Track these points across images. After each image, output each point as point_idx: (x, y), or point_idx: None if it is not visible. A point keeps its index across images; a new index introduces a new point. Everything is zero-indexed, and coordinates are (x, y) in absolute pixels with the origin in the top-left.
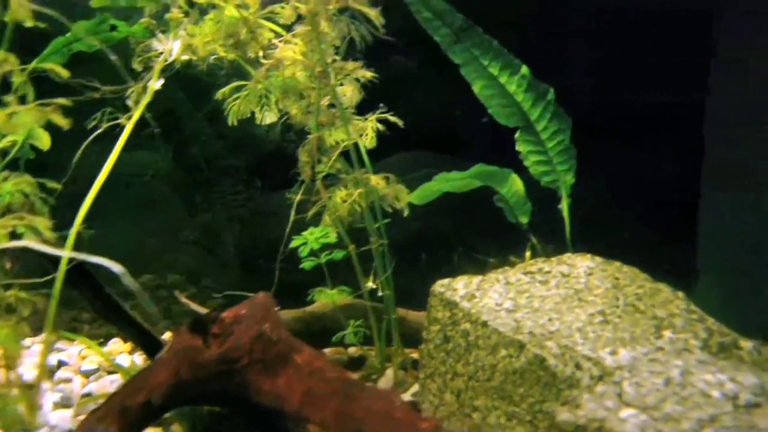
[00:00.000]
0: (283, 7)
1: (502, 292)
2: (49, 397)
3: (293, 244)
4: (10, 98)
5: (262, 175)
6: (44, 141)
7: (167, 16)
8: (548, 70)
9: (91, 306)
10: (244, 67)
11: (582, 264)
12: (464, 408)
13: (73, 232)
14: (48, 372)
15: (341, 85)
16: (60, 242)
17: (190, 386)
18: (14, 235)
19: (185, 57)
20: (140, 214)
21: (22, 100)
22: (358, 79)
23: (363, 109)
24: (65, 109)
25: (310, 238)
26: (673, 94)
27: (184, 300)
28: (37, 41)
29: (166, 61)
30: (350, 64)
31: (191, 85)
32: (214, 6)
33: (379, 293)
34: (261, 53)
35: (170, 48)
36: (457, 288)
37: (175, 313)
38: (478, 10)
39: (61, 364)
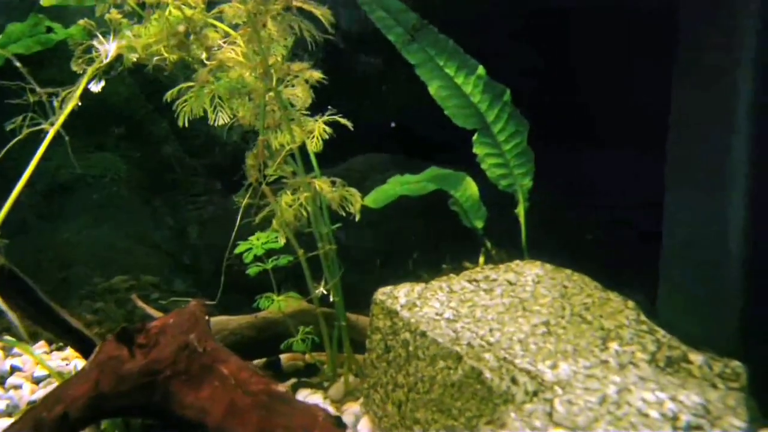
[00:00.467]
0: (230, 7)
1: (444, 300)
2: None
3: (237, 250)
4: None
5: (222, 177)
6: None
7: (106, 17)
8: (505, 70)
9: (23, 312)
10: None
11: (530, 271)
12: (405, 420)
13: None
14: None
15: (292, 86)
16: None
17: (111, 398)
18: None
19: (133, 58)
20: (104, 215)
21: None
22: (308, 81)
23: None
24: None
25: (256, 244)
26: (638, 94)
27: (140, 304)
28: None
29: (101, 63)
30: (296, 65)
31: (151, 86)
32: (158, 5)
33: (332, 299)
34: (205, 54)
35: (106, 50)
36: (398, 296)
37: (140, 316)
38: (430, 8)
39: (14, 369)
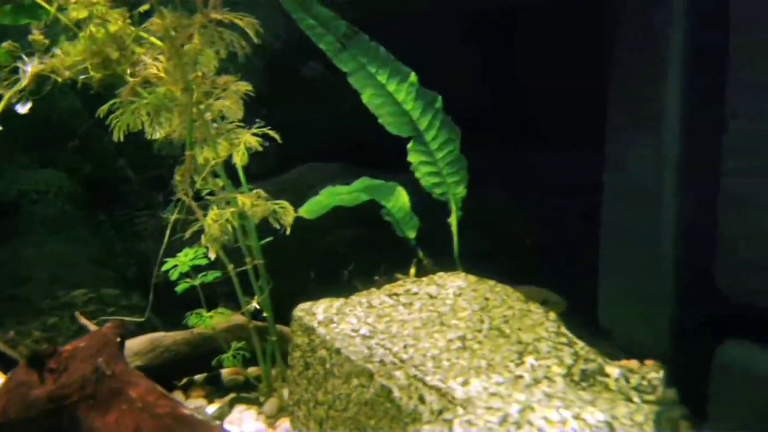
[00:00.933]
0: (151, 23)
1: (362, 316)
2: None
3: (164, 267)
4: None
5: (164, 190)
6: None
7: (30, 38)
8: (438, 75)
9: None
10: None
11: (453, 284)
12: None
13: None
14: None
15: (220, 99)
16: None
17: (18, 425)
18: None
19: (64, 75)
20: (49, 231)
21: None
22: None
23: (281, 117)
24: None
25: (183, 260)
26: (577, 94)
27: (83, 321)
28: None
29: (21, 86)
30: (222, 78)
31: (95, 101)
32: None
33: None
34: (130, 71)
35: (24, 71)
36: (316, 313)
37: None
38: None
39: None
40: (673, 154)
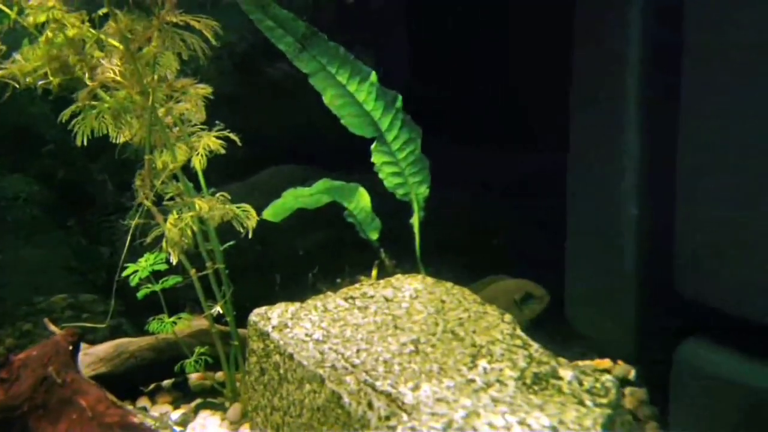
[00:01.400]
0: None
1: (317, 320)
2: None
3: (125, 272)
4: None
5: (132, 194)
6: None
7: None
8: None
9: None
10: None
11: (409, 287)
12: None
13: None
14: None
15: (180, 102)
16: None
17: None
18: None
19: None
20: (22, 237)
21: None
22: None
23: (249, 119)
24: None
25: (143, 265)
26: (545, 95)
27: (51, 327)
28: None
29: None
30: (180, 81)
31: (63, 105)
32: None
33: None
34: (88, 75)
35: None
36: (271, 317)
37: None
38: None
39: None
40: (632, 154)
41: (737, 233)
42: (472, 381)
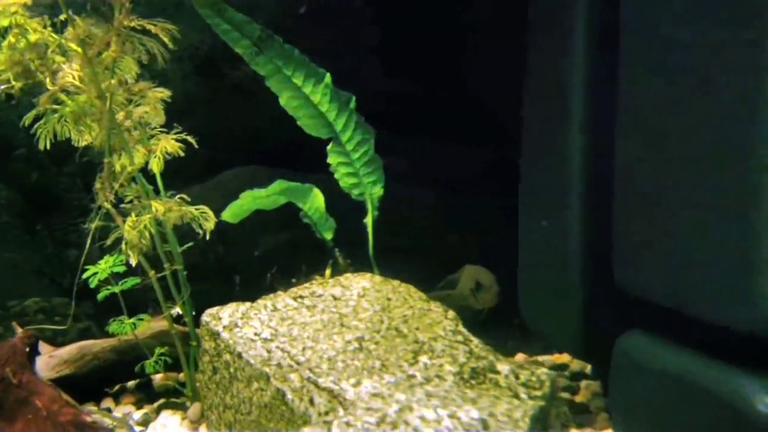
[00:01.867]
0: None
1: (265, 320)
2: None
3: (85, 275)
4: None
5: (91, 197)
6: None
7: None
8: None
9: None
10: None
11: (357, 285)
12: None
13: None
14: None
15: (139, 105)
16: None
17: None
18: None
19: None
20: None
21: None
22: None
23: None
24: None
25: (103, 267)
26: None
27: (18, 331)
28: None
29: None
30: (139, 84)
31: (28, 109)
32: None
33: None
34: (49, 79)
35: None
36: (222, 317)
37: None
38: None
39: None
40: (577, 151)
41: (666, 228)
42: (413, 377)
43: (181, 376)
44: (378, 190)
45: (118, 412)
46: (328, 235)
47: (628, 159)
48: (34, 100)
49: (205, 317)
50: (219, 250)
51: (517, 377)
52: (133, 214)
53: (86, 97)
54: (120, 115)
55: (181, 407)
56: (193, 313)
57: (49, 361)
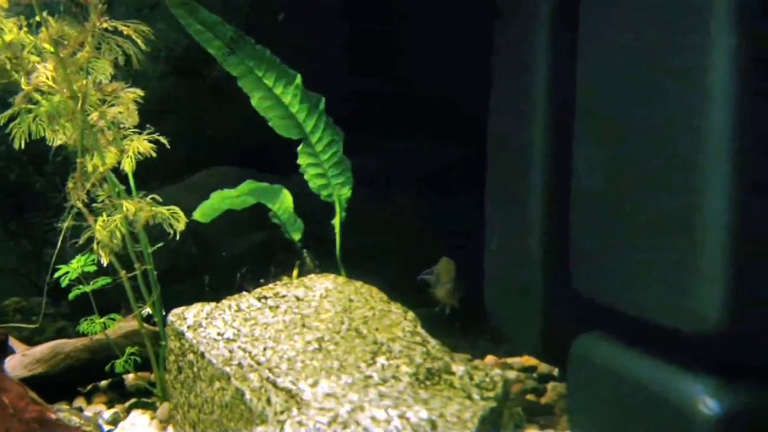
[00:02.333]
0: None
1: (229, 320)
2: None
3: (57, 274)
4: None
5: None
6: None
7: None
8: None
9: None
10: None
11: (321, 286)
12: None
13: None
14: None
15: (113, 106)
16: None
17: None
18: None
19: None
20: None
21: None
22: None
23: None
24: None
25: (74, 267)
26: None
27: None
28: None
29: None
30: (111, 85)
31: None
32: None
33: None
34: (24, 80)
35: None
36: (186, 317)
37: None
38: None
39: None
40: (538, 153)
41: (617, 234)
42: (370, 377)
43: (153, 376)
44: (346, 192)
45: (90, 411)
46: (297, 236)
47: (583, 165)
48: (10, 99)
49: (171, 317)
50: (193, 251)
51: (471, 378)
52: (104, 214)
53: (60, 98)
54: (93, 116)
55: (152, 407)
56: (164, 313)
57: (23, 360)
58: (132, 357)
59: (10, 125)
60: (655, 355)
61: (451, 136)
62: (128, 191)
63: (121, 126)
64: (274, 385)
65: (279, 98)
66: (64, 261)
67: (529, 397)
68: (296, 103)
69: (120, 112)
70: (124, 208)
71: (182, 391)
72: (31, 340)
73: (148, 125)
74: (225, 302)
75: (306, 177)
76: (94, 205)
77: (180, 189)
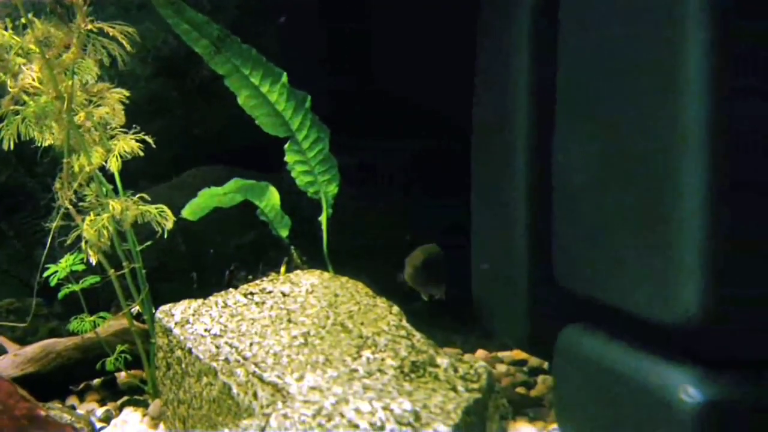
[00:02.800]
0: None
1: (216, 316)
2: None
3: (46, 273)
4: None
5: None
6: None
7: None
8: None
9: None
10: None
11: (306, 282)
12: None
13: None
14: None
15: (99, 106)
16: None
17: None
18: None
19: None
20: None
21: None
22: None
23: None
24: None
25: (62, 266)
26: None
27: None
28: None
29: None
30: (97, 86)
31: None
32: None
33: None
34: (10, 81)
35: None
36: (174, 314)
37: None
38: None
39: None
40: (521, 155)
41: (598, 227)
42: (355, 371)
43: (144, 373)
44: (333, 189)
45: (82, 409)
46: (284, 233)
47: (564, 160)
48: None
49: (158, 314)
50: (182, 249)
51: (456, 370)
52: (92, 213)
53: (46, 99)
54: (80, 116)
55: (144, 404)
56: (154, 310)
57: (14, 360)
58: (122, 355)
59: None
60: (638, 346)
61: (435, 131)
62: (116, 191)
63: (108, 126)
64: (261, 379)
65: (265, 96)
66: (55, 261)
67: (519, 390)
68: (282, 101)
69: (106, 113)
70: (111, 208)
71: (171, 387)
72: (24, 341)
73: (135, 125)
74: (212, 299)
75: (293, 174)
76: (82, 204)
77: (169, 188)
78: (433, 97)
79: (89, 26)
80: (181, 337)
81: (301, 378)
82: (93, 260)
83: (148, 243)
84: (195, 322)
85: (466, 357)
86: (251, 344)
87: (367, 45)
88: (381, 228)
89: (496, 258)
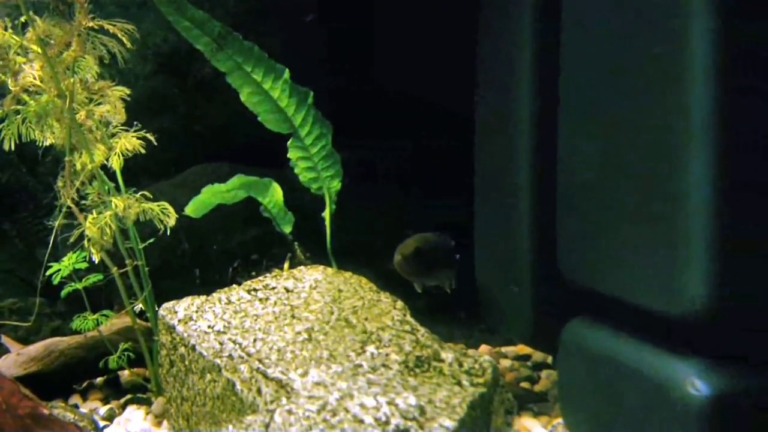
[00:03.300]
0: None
1: (219, 312)
2: None
3: (49, 272)
4: None
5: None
6: None
7: None
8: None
9: None
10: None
11: (310, 277)
12: None
13: None
14: None
15: (100, 104)
16: None
17: None
18: None
19: None
20: None
21: None
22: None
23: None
24: None
25: (65, 264)
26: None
27: None
28: None
29: None
30: (98, 83)
31: None
32: None
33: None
34: (12, 81)
35: None
36: (177, 311)
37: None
38: None
39: None
40: (524, 150)
41: (604, 221)
42: (359, 366)
43: (147, 371)
44: (336, 185)
45: (86, 407)
46: (287, 229)
47: (568, 155)
48: None
49: (162, 311)
50: (185, 246)
51: (461, 365)
52: (94, 212)
53: (48, 97)
54: (81, 114)
55: (147, 402)
56: (157, 308)
57: (17, 359)
58: (126, 353)
59: None
60: (643, 340)
61: (441, 129)
62: (118, 189)
63: (109, 124)
64: (264, 375)
65: (268, 93)
66: (57, 260)
67: (524, 384)
68: (285, 98)
69: (108, 110)
70: (113, 205)
71: (175, 385)
72: (27, 340)
73: (136, 123)
74: (215, 295)
75: (296, 171)
76: (84, 202)
77: (171, 185)
78: (435, 95)
79: (90, 24)
80: (185, 334)
81: (305, 374)
82: (96, 258)
83: (151, 240)
84: (198, 319)
85: (470, 352)
86: (255, 340)
87: (369, 43)
88: (384, 224)
89: (499, 254)
